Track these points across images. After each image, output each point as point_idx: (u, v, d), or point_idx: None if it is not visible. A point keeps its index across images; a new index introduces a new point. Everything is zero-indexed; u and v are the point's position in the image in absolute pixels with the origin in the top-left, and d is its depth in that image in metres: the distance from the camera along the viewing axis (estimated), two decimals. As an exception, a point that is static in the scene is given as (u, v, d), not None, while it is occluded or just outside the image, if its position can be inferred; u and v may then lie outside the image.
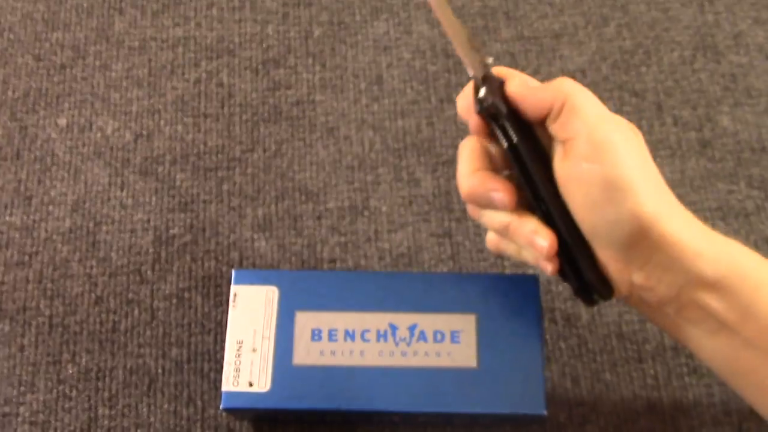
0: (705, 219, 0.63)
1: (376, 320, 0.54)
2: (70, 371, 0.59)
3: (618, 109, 0.67)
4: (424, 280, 0.56)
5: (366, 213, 0.64)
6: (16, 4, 0.72)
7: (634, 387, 0.59)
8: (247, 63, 0.69)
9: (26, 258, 0.63)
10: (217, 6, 0.71)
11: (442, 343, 0.54)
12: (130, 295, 0.61)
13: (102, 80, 0.69)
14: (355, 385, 0.53)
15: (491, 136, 0.44)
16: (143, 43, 0.70)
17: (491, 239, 0.49)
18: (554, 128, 0.41)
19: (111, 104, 0.68)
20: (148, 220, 0.64)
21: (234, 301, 0.55)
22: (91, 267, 0.62)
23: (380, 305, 0.55)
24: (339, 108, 0.68)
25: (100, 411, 0.58)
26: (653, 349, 0.60)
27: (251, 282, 0.55)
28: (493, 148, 0.45)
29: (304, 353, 0.54)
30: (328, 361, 0.53)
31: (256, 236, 0.63)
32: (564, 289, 0.62)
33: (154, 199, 0.64)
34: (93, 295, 0.62)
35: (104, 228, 0.64)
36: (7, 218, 0.64)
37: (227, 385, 0.53)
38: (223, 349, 0.56)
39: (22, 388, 0.59)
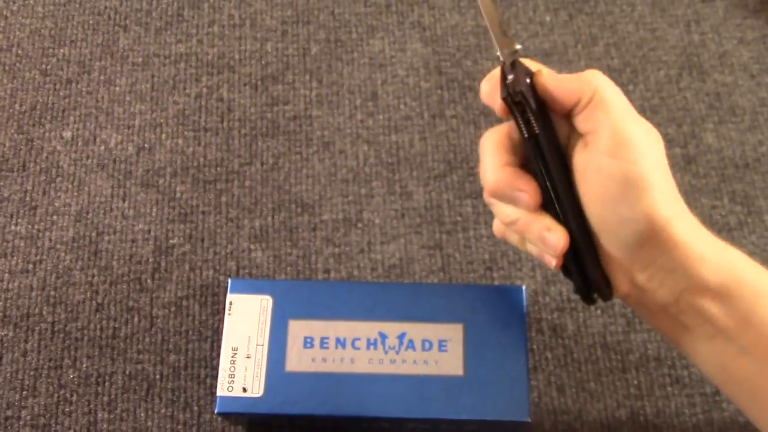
0: (689, 233, 0.65)
1: (366, 329, 0.56)
2: (71, 376, 0.61)
3: (605, 126, 0.69)
4: (412, 290, 0.58)
5: (359, 225, 0.66)
6: (25, 20, 0.74)
7: (617, 396, 0.60)
8: (246, 79, 0.72)
9: (30, 266, 0.65)
10: (218, 24, 0.74)
11: (430, 351, 0.56)
12: (130, 303, 0.64)
13: (106, 95, 0.71)
14: (345, 391, 0.55)
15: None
16: (146, 59, 0.72)
17: (498, 227, 0.49)
18: (579, 119, 0.41)
19: (114, 118, 0.70)
20: (149, 231, 0.66)
21: (229, 309, 0.57)
22: (93, 275, 0.64)
23: (370, 314, 0.57)
24: (335, 123, 0.70)
25: (99, 415, 0.60)
26: (637, 360, 0.61)
27: (246, 291, 0.57)
28: (515, 136, 0.45)
29: (297, 360, 0.55)
30: (319, 367, 0.55)
31: (252, 247, 0.65)
32: (551, 300, 0.63)
33: (154, 210, 0.67)
34: (94, 302, 0.64)
35: (106, 238, 0.66)
36: (13, 227, 0.66)
37: (222, 390, 0.55)
38: (219, 355, 0.58)
39: (24, 392, 0.61)
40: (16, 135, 0.70)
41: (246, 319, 0.56)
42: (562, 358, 0.62)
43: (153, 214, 0.66)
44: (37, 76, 0.72)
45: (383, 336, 0.56)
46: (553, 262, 0.45)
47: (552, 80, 0.42)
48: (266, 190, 0.67)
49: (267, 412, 0.54)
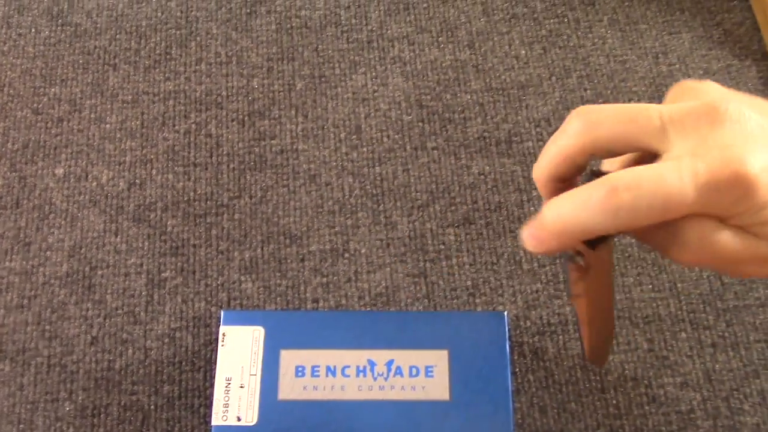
0: (661, 257, 0.68)
1: (355, 357, 0.58)
2: (68, 409, 0.63)
3: (580, 155, 0.72)
4: (399, 318, 0.61)
5: (346, 255, 0.68)
6: (16, 61, 0.76)
7: (597, 416, 0.63)
8: (234, 115, 0.74)
9: (25, 301, 0.66)
10: (205, 61, 0.76)
11: (417, 377, 0.58)
12: (124, 336, 0.65)
13: (97, 132, 0.73)
14: (337, 418, 0.57)
15: None
16: (136, 97, 0.75)
17: None
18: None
19: (105, 155, 0.72)
20: (141, 264, 0.68)
21: (223, 340, 0.59)
22: (87, 309, 0.66)
23: (359, 343, 0.59)
24: (320, 156, 0.72)
25: (95, 446, 0.62)
26: (615, 380, 0.64)
27: (239, 322, 0.59)
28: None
29: (289, 389, 0.57)
30: (311, 396, 0.57)
31: (243, 278, 0.67)
32: (531, 324, 0.66)
33: (146, 244, 0.69)
34: (89, 335, 0.65)
35: (99, 272, 0.67)
36: (8, 264, 0.68)
37: (216, 420, 0.56)
38: (212, 385, 0.60)
39: (21, 426, 0.62)
40: (9, 173, 0.71)
41: (239, 349, 0.58)
42: (543, 380, 0.64)
43: (145, 248, 0.68)
44: (29, 115, 0.74)
45: (372, 363, 0.58)
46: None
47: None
48: (255, 222, 0.69)
49: (261, 440, 0.56)
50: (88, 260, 0.68)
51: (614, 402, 0.63)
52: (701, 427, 0.63)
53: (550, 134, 0.73)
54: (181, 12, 0.79)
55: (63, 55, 0.76)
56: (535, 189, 0.71)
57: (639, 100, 0.75)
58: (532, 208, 0.70)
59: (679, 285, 0.67)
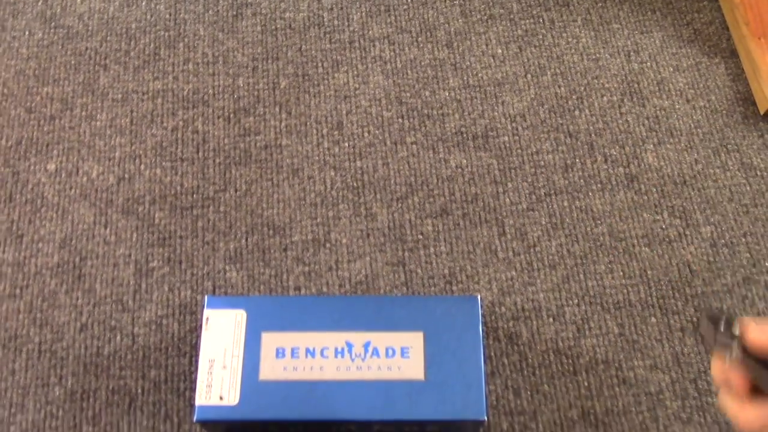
0: (633, 246, 0.70)
1: (334, 339, 0.61)
2: (57, 393, 0.65)
3: (554, 149, 0.75)
4: (376, 302, 0.63)
5: (328, 245, 0.71)
6: (10, 62, 0.79)
7: (570, 397, 0.65)
8: (219, 112, 0.77)
9: (18, 291, 0.69)
10: (192, 61, 0.79)
11: (393, 358, 0.60)
12: (113, 323, 0.68)
13: (88, 129, 0.76)
14: (315, 397, 0.59)
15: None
16: (125, 96, 0.77)
17: None
18: None
19: (96, 151, 0.75)
20: (130, 255, 0.70)
21: (206, 324, 0.61)
22: (77, 298, 0.68)
23: (337, 325, 0.61)
24: (303, 151, 0.75)
25: (84, 429, 0.64)
26: (586, 363, 0.66)
27: (222, 307, 0.62)
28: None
29: (270, 369, 0.60)
30: (291, 376, 0.60)
31: (228, 267, 0.70)
32: (506, 310, 0.68)
33: (135, 235, 0.71)
34: (78, 323, 0.68)
35: (89, 262, 0.70)
36: (1, 255, 0.70)
37: (200, 399, 0.59)
38: (197, 369, 0.62)
39: (13, 409, 0.64)
40: (2, 169, 0.74)
41: (222, 332, 0.61)
42: (517, 363, 0.66)
43: (133, 240, 0.71)
44: (22, 113, 0.76)
45: (350, 345, 0.61)
46: None
47: (761, 335, 0.41)
48: (240, 214, 0.72)
49: (243, 418, 0.58)
50: (78, 251, 0.70)
51: (586, 384, 0.66)
52: (670, 407, 0.65)
53: (525, 129, 0.76)
54: (170, 15, 0.82)
55: (55, 56, 0.79)
56: (511, 181, 0.74)
57: (611, 96, 0.78)
58: (507, 200, 0.73)
59: (649, 272, 0.70)
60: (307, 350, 0.60)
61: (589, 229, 0.72)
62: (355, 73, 0.79)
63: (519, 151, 0.75)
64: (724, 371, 0.42)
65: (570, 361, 0.66)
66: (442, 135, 0.76)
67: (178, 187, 0.73)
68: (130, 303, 0.68)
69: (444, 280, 0.69)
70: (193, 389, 0.65)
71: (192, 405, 0.64)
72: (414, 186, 0.73)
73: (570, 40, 0.81)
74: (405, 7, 0.82)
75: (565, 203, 0.73)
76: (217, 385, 0.59)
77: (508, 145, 0.75)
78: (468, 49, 0.80)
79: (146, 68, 0.79)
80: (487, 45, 0.80)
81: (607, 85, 0.78)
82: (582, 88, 0.78)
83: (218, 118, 0.76)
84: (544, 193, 0.73)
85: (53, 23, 0.81)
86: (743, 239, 0.71)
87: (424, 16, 0.82)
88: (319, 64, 0.79)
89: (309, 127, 0.76)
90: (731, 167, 0.74)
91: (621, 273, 0.70)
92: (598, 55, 0.80)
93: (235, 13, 0.82)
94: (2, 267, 0.70)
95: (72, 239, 0.71)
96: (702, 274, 0.70)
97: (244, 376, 0.60)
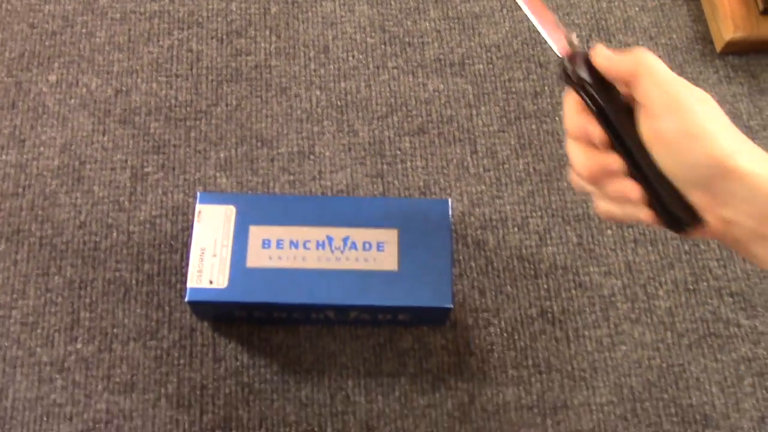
0: (593, 165, 0.76)
1: (316, 233, 0.66)
2: (57, 281, 0.70)
3: (525, 77, 0.81)
4: (356, 202, 0.69)
5: (312, 157, 0.76)
6: (14, -21, 0.83)
7: (530, 298, 0.71)
8: (213, 33, 0.81)
9: (20, 190, 0.73)
10: (188, -15, 0.84)
11: (369, 251, 0.66)
12: (110, 221, 0.72)
13: (88, 45, 0.80)
14: (297, 283, 0.64)
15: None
16: (124, 15, 0.82)
17: (576, 180, 0.52)
18: (635, 92, 0.46)
19: (95, 65, 0.79)
20: (126, 160, 0.75)
21: (198, 217, 0.66)
22: (77, 198, 0.73)
23: (320, 221, 0.67)
24: (291, 72, 0.80)
25: (82, 314, 0.69)
26: (547, 268, 0.72)
27: (213, 202, 0.67)
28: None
29: (256, 258, 0.65)
30: (275, 264, 0.65)
31: (218, 174, 0.75)
32: (475, 219, 0.74)
33: (131, 143, 0.76)
34: (77, 220, 0.72)
35: (88, 166, 0.75)
36: (4, 157, 0.75)
37: (191, 282, 0.64)
38: (187, 264, 0.67)
39: (15, 296, 0.69)
40: (6, 78, 0.78)
41: (212, 225, 0.66)
42: (483, 267, 0.72)
43: (130, 147, 0.76)
44: (25, 29, 0.81)
45: (330, 239, 0.66)
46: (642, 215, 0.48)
47: (604, 60, 0.47)
48: (230, 127, 0.77)
49: (230, 300, 0.64)
50: (78, 156, 0.75)
51: (545, 287, 0.72)
52: (620, 309, 0.71)
53: (499, 59, 0.81)
54: (167, -58, 0.86)
55: (57, -24, 0.83)
56: (484, 105, 0.79)
57: (581, 32, 0.83)
58: (480, 122, 0.78)
59: (607, 190, 0.76)
60: (291, 242, 0.66)
61: (554, 150, 0.77)
62: (342, 2, 0.84)
63: (492, 78, 0.81)
64: (578, 114, 0.48)
65: (531, 266, 0.72)
66: (422, 61, 0.81)
67: (173, 101, 0.78)
68: (126, 204, 0.73)
69: (419, 191, 0.75)
70: (183, 282, 0.70)
71: (182, 297, 0.70)
72: (394, 107, 0.79)
73: (544, -21, 0.86)
74: (390, -57, 0.87)
75: (533, 126, 0.78)
76: (207, 271, 0.65)
77: (482, 72, 0.81)
78: (448, -17, 0.85)
79: (144, -10, 0.83)
80: (466, -19, 0.85)
81: (577, 21, 0.84)
82: (553, 23, 0.83)
83: (211, 38, 0.81)
84: (514, 116, 0.79)
85: (55, -54, 0.85)
86: (695, 163, 0.77)
87: (408, -48, 0.87)
88: (308, -7, 0.84)
89: (297, 50, 0.81)
90: (687, 99, 0.80)
91: (582, 190, 0.76)
92: (569, -7, 0.85)
93: (229, -57, 0.86)
94: (6, 168, 0.74)
95: (72, 145, 0.75)
96: (656, 193, 0.76)
97: (233, 263, 0.65)
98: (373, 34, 0.82)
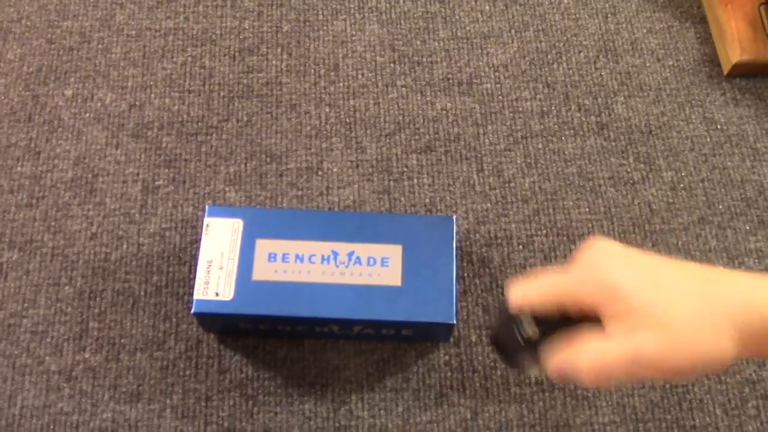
0: (599, 186, 0.77)
1: (321, 247, 0.67)
2: (67, 291, 0.71)
3: (533, 97, 0.81)
4: (361, 218, 0.69)
5: (320, 173, 0.77)
6: (33, -4, 0.85)
7: (534, 315, 0.71)
8: (225, 50, 0.83)
9: (34, 201, 0.75)
10: (203, 3, 0.85)
11: (374, 266, 0.67)
12: (120, 233, 0.74)
13: (103, 61, 0.82)
14: (302, 296, 0.65)
15: None
16: (139, 32, 0.84)
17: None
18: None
19: (110, 80, 0.81)
20: (138, 174, 0.76)
21: (206, 230, 0.67)
22: (89, 209, 0.75)
23: (325, 236, 0.67)
24: (301, 89, 0.81)
25: (90, 324, 0.70)
26: (551, 286, 0.73)
27: (221, 216, 0.68)
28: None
29: (262, 271, 0.66)
30: (281, 277, 0.66)
31: (227, 188, 0.76)
32: (480, 237, 0.75)
33: (143, 156, 0.77)
34: (89, 231, 0.74)
35: (101, 179, 0.76)
36: (19, 169, 0.76)
37: (198, 294, 0.65)
38: (195, 277, 0.68)
39: (26, 304, 0.71)
40: (23, 92, 0.80)
41: (220, 238, 0.67)
42: (488, 284, 0.73)
43: (142, 160, 0.77)
44: (43, 44, 0.83)
45: (335, 253, 0.67)
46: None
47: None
48: (240, 142, 0.78)
49: (236, 312, 0.65)
50: (91, 168, 0.77)
51: (549, 305, 0.72)
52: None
53: (507, 78, 0.82)
54: (183, -39, 0.88)
55: (76, -7, 0.85)
56: (491, 124, 0.80)
57: (588, 53, 0.84)
58: (486, 140, 0.79)
59: (613, 209, 0.76)
60: (297, 256, 0.67)
61: (560, 169, 0.78)
62: (353, 21, 0.85)
63: (500, 97, 0.81)
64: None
65: (536, 284, 0.73)
66: (430, 80, 0.82)
67: (185, 116, 0.79)
68: (136, 216, 0.75)
69: (425, 208, 0.76)
70: (191, 294, 0.71)
71: (190, 308, 0.71)
72: (402, 124, 0.80)
73: (553, 0, 0.87)
74: (402, -36, 0.89)
75: (540, 145, 0.79)
76: (214, 283, 0.66)
77: (490, 91, 0.82)
78: (458, 4, 0.86)
79: (159, 8, 0.85)
80: (476, 1, 0.87)
81: (584, 43, 0.85)
82: (561, 44, 0.85)
83: (224, 55, 0.83)
84: (521, 135, 0.80)
85: (74, -35, 0.88)
86: (701, 184, 0.78)
87: (418, -27, 0.88)
88: (320, 12, 0.85)
89: (307, 68, 0.82)
90: (694, 120, 0.81)
91: (587, 209, 0.76)
92: (578, 15, 0.86)
93: (243, -37, 0.88)
94: (21, 179, 0.76)
95: (85, 157, 0.77)
96: (661, 213, 0.76)
97: (239, 276, 0.66)
98: (382, 52, 0.83)
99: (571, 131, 0.80)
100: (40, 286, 0.72)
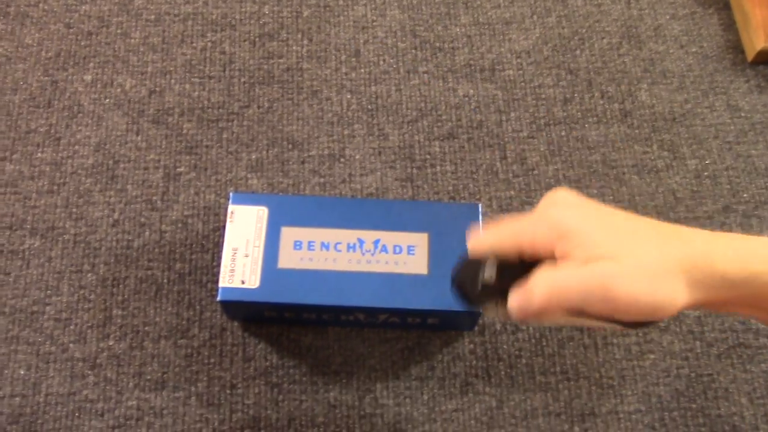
0: (623, 173, 0.76)
1: (347, 235, 0.67)
2: (90, 279, 0.71)
3: (555, 84, 0.81)
4: (386, 205, 0.69)
5: (342, 160, 0.77)
6: (51, -20, 0.84)
7: (558, 304, 0.71)
8: (246, 36, 0.82)
9: (55, 187, 0.74)
10: (222, -12, 0.84)
11: (400, 254, 0.66)
12: (143, 220, 0.73)
13: (123, 46, 0.81)
14: (328, 284, 0.65)
15: None
16: (158, 17, 0.83)
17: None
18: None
19: (130, 65, 0.80)
20: (159, 160, 0.76)
21: (231, 217, 0.67)
22: (110, 196, 0.74)
23: (351, 224, 0.67)
24: (322, 75, 0.80)
25: (114, 312, 0.70)
26: (575, 275, 0.72)
27: (245, 203, 0.68)
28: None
29: (287, 259, 0.66)
30: (306, 265, 0.66)
31: (249, 176, 0.76)
32: (504, 225, 0.74)
33: (164, 143, 0.77)
34: (111, 218, 0.73)
35: (122, 165, 0.76)
36: (40, 155, 0.76)
37: (223, 282, 0.65)
38: (218, 265, 0.68)
39: (49, 292, 0.70)
40: (42, 77, 0.79)
41: (245, 225, 0.67)
42: (512, 272, 0.72)
43: (163, 147, 0.77)
44: (61, 29, 0.82)
45: (361, 241, 0.67)
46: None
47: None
48: (262, 129, 0.78)
49: (262, 300, 0.64)
50: (112, 155, 0.76)
51: (574, 293, 0.72)
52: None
53: (529, 65, 0.82)
54: (202, -55, 0.87)
55: (93, -23, 0.85)
56: (514, 111, 0.79)
57: (611, 39, 0.83)
58: (509, 127, 0.79)
59: (637, 197, 0.76)
60: (323, 244, 0.66)
61: (584, 157, 0.78)
62: (374, 6, 0.84)
63: (522, 84, 0.81)
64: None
65: (560, 272, 0.72)
66: (452, 66, 0.81)
67: (206, 102, 0.79)
68: (158, 203, 0.74)
69: (448, 195, 0.75)
70: (214, 282, 0.71)
71: (213, 296, 0.70)
72: (424, 111, 0.79)
73: (575, -14, 0.86)
74: (422, -52, 0.88)
75: (563, 133, 0.79)
76: (239, 271, 0.65)
77: (512, 78, 0.81)
78: (479, -11, 0.85)
79: (178, -7, 0.84)
80: (497, -13, 0.86)
81: (607, 29, 0.84)
82: (584, 30, 0.84)
83: (244, 41, 0.82)
84: (544, 123, 0.79)
85: (91, -52, 0.87)
86: (725, 172, 0.77)
87: (439, -43, 0.87)
88: (340, -3, 0.85)
89: (329, 54, 0.82)
90: (718, 108, 0.80)
91: (611, 197, 0.76)
92: (600, 0, 0.85)
93: (262, -54, 0.87)
94: (41, 166, 0.75)
95: (106, 144, 0.77)
96: (685, 201, 0.76)
97: (264, 263, 0.66)
98: (404, 38, 0.83)
99: (595, 118, 0.79)
100: (63, 273, 0.71)
